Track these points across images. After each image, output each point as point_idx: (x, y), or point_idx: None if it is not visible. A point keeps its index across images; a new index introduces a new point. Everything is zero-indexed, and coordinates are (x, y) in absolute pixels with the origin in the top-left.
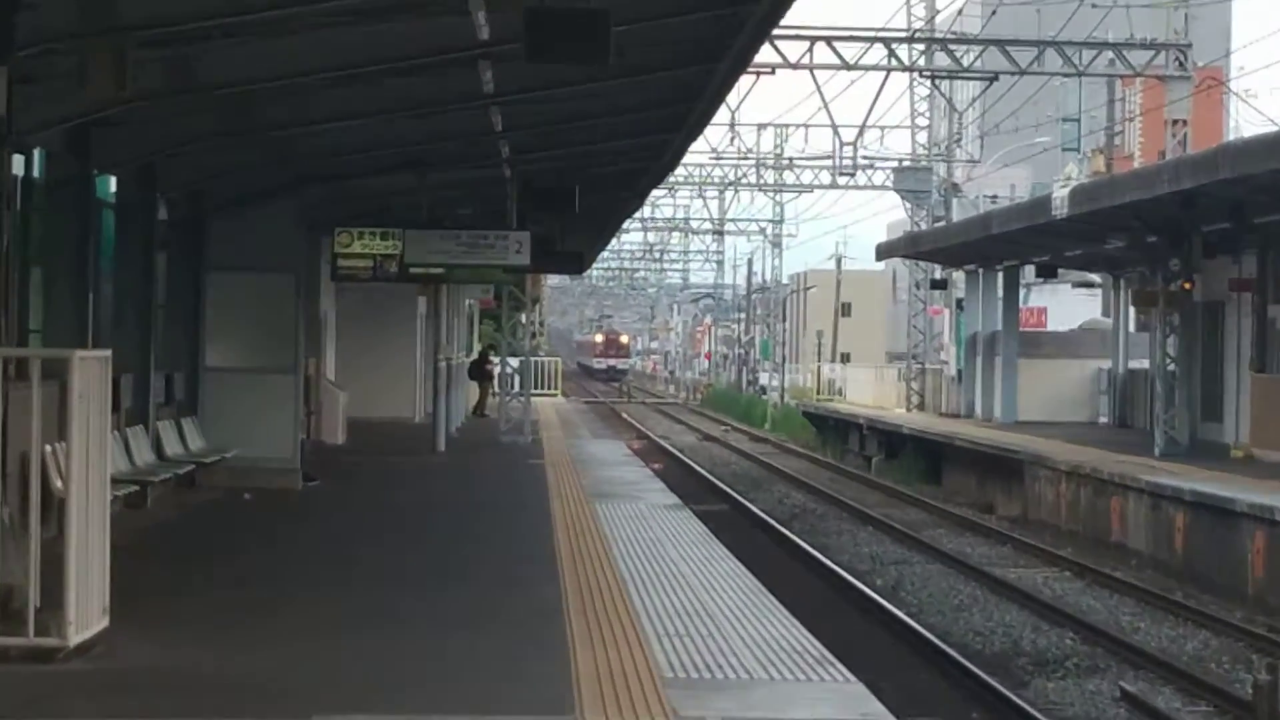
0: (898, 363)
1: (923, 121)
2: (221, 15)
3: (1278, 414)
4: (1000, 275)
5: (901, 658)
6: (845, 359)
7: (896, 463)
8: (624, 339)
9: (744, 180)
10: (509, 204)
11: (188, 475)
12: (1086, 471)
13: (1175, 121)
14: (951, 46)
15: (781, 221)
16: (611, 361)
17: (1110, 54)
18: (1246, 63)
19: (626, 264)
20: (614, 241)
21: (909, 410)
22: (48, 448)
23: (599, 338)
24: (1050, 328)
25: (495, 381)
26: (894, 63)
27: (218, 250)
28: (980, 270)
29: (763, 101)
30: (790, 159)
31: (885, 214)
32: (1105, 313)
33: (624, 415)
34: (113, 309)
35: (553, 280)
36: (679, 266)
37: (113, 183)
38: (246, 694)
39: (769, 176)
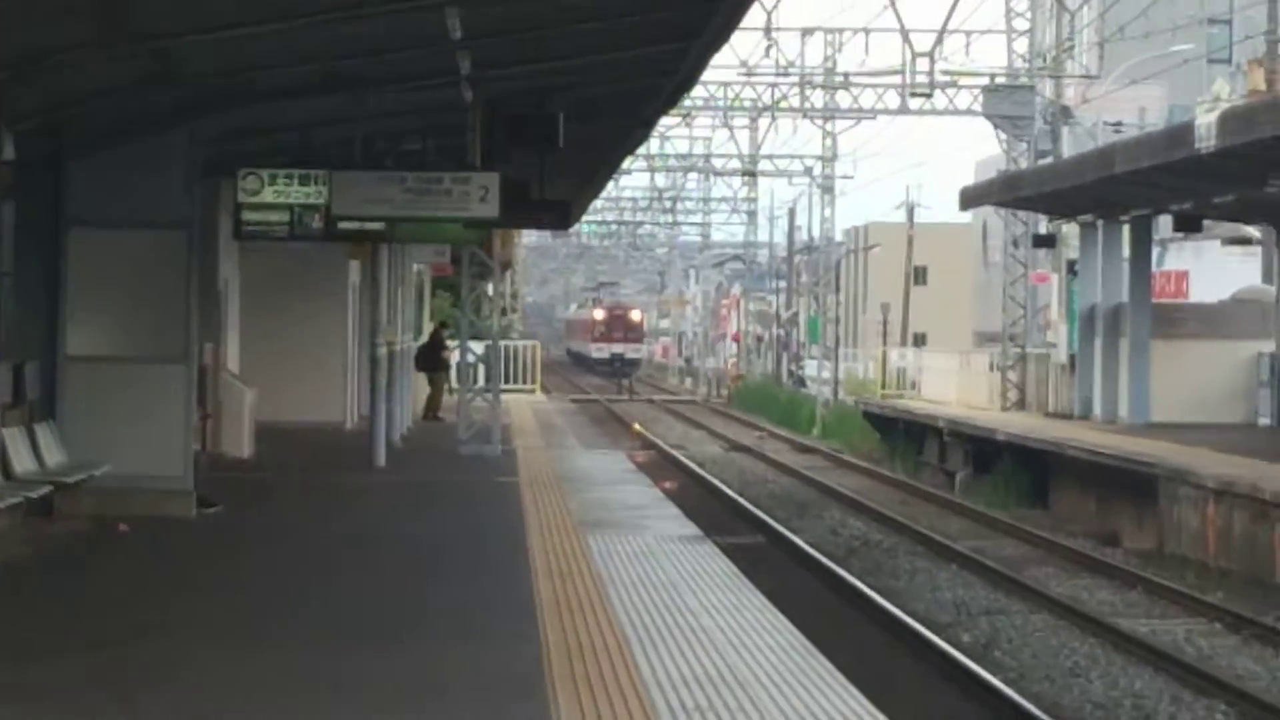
0: (990, 347)
1: (1022, 24)
2: None
3: None
4: (1126, 229)
5: None
6: (920, 341)
7: (988, 479)
8: (635, 315)
9: (784, 104)
10: (471, 137)
11: (43, 500)
12: (1242, 491)
13: None
14: None
15: (834, 159)
16: (617, 348)
17: None
18: None
19: (628, 217)
20: (610, 187)
21: (1005, 410)
22: None
23: (599, 314)
24: (1193, 299)
25: (452, 373)
26: None
27: (82, 200)
28: (1100, 222)
29: None
30: (846, 75)
31: (973, 148)
32: (1266, 279)
33: (624, 417)
34: None
35: (529, 238)
36: (697, 220)
37: None
38: None
39: (817, 99)
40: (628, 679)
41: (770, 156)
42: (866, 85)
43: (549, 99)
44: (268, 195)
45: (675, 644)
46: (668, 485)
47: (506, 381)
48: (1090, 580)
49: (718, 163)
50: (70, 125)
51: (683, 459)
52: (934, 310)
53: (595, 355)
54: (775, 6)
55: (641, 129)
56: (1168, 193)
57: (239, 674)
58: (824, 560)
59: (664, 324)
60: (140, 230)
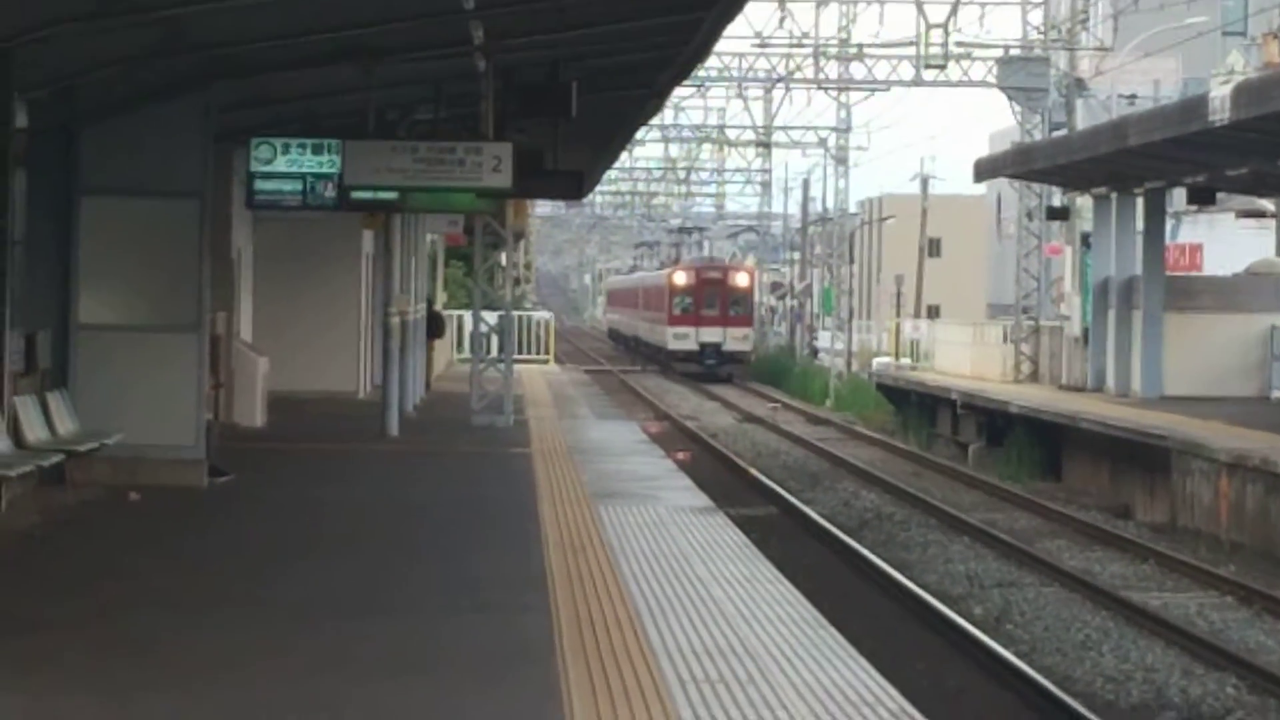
0: (1003, 319)
1: None
2: None
3: None
4: (1140, 202)
5: (1008, 712)
6: (933, 313)
7: (1001, 452)
8: (742, 279)
9: (798, 75)
10: (484, 107)
11: (55, 469)
12: (1255, 464)
13: None
14: None
15: (848, 130)
16: (712, 334)
17: None
18: None
19: (641, 187)
20: (624, 157)
21: (1018, 382)
22: None
23: (681, 279)
24: (1207, 271)
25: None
26: None
27: (95, 168)
28: (1114, 195)
29: None
30: (860, 46)
31: (987, 121)
32: None
33: (638, 389)
34: None
35: (542, 209)
36: (711, 190)
37: None
38: None
39: (831, 70)
40: (638, 650)
41: (784, 128)
42: (881, 56)
43: (562, 68)
44: (280, 164)
45: (686, 615)
46: (680, 456)
47: (520, 352)
48: (1102, 553)
49: (732, 133)
50: (82, 93)
51: (695, 430)
52: (947, 282)
53: (675, 346)
54: None
55: (655, 99)
56: (1182, 165)
57: (248, 643)
58: (836, 532)
59: None
60: (153, 199)
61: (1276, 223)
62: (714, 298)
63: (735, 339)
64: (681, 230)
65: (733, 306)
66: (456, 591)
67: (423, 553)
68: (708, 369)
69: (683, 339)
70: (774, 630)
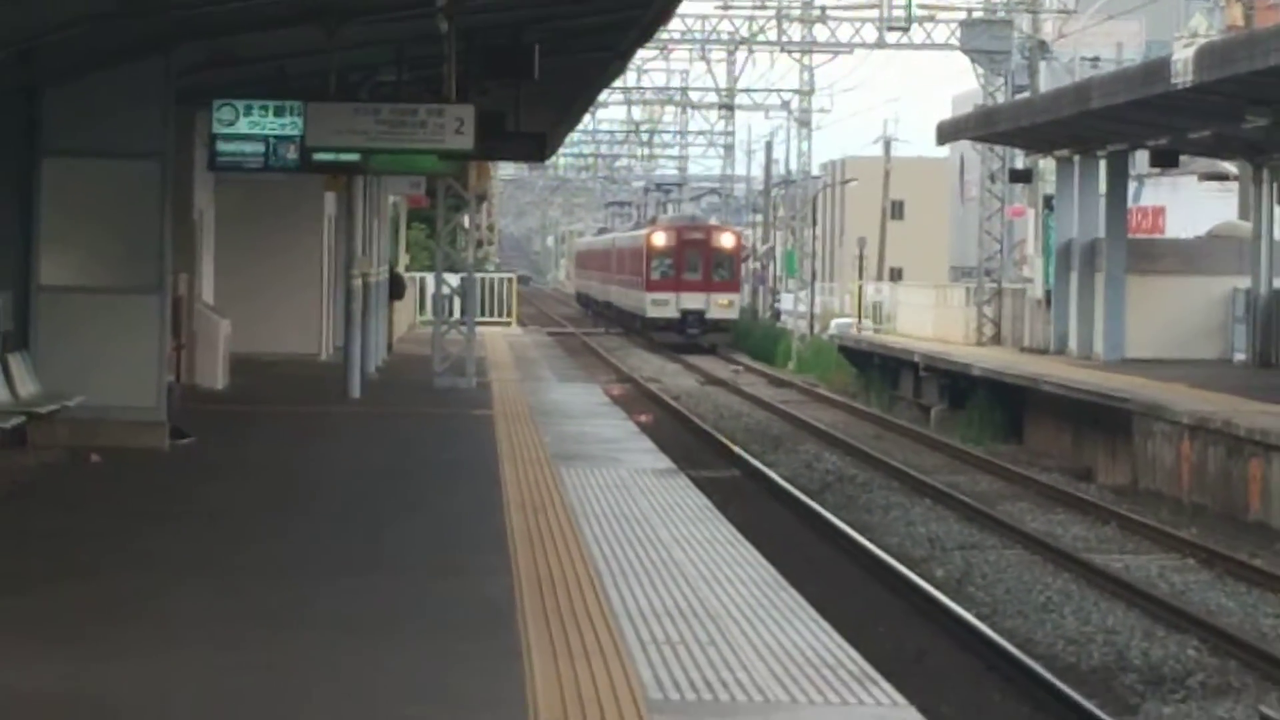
0: (966, 281)
1: None
2: None
3: None
4: (1103, 164)
5: (969, 674)
6: (896, 276)
7: (963, 414)
8: (727, 240)
9: (761, 37)
10: (446, 69)
11: (16, 430)
12: (1217, 426)
13: None
14: None
15: (811, 93)
16: (694, 299)
17: None
18: None
19: (604, 150)
20: (586, 119)
21: (980, 344)
22: None
23: (660, 239)
24: (1169, 234)
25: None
26: None
27: (57, 130)
28: (1076, 158)
29: None
30: (823, 9)
31: (950, 84)
32: (1243, 215)
33: (600, 351)
34: None
35: (505, 171)
36: (674, 153)
37: None
38: None
39: (794, 32)
40: (599, 611)
41: (747, 90)
42: (843, 19)
43: (525, 31)
44: (242, 126)
45: (647, 577)
46: (642, 419)
47: (482, 314)
48: (1064, 515)
49: (695, 96)
50: (44, 54)
51: (658, 393)
52: (910, 245)
53: (653, 313)
54: None
55: (618, 61)
56: (1144, 128)
57: (209, 606)
58: (798, 494)
59: None
60: (115, 160)
61: (1239, 185)
62: (696, 260)
63: (720, 306)
64: (650, 191)
65: (717, 270)
66: (416, 552)
67: (382, 514)
68: (689, 339)
69: (662, 306)
70: (735, 592)
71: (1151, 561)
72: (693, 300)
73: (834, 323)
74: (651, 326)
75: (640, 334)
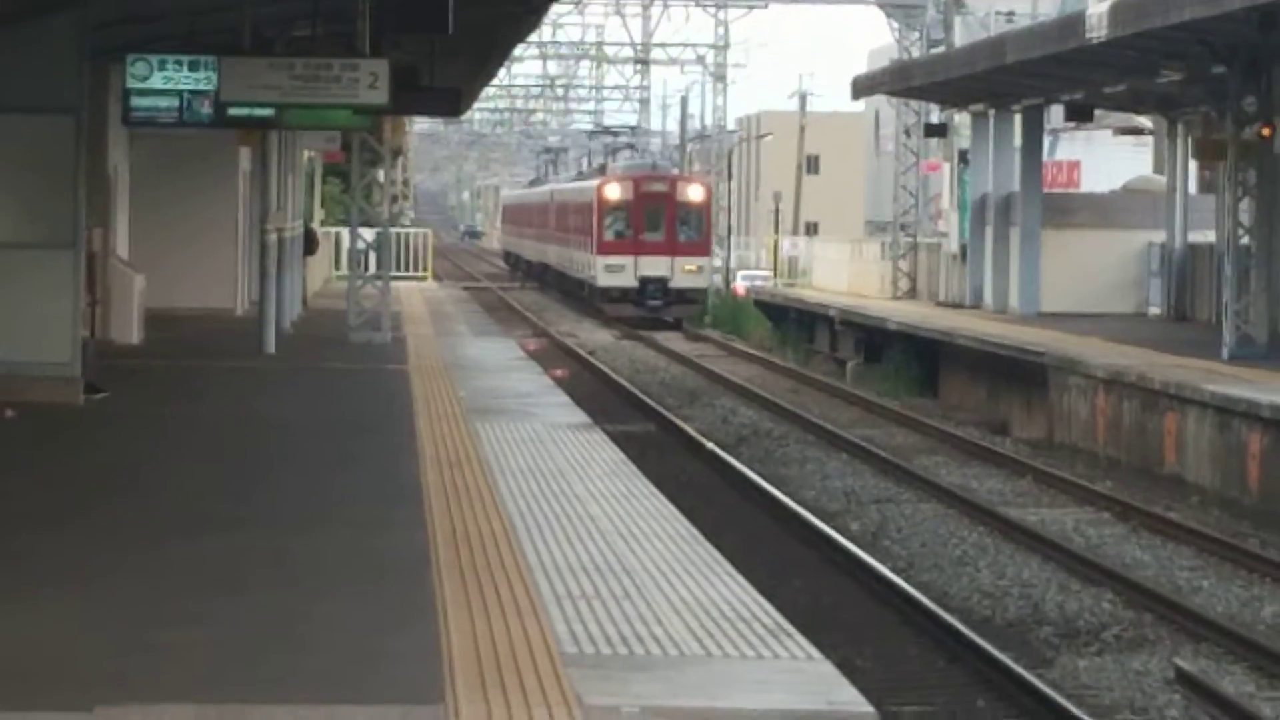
0: (881, 236)
1: None
2: None
3: None
4: (1018, 119)
5: (884, 628)
6: (812, 230)
7: (879, 368)
8: (695, 192)
9: None
10: (359, 23)
11: None
12: (1131, 380)
13: None
14: None
15: (726, 47)
16: (655, 264)
17: None
18: None
19: (520, 104)
20: (502, 74)
21: (896, 299)
22: None
23: (614, 192)
24: (1084, 188)
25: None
26: None
27: None
28: (991, 112)
29: None
30: None
31: (866, 40)
32: (1157, 169)
33: (516, 306)
34: None
35: (420, 126)
36: (589, 107)
37: None
38: (13, 679)
39: None
40: (514, 566)
41: (663, 45)
42: None
43: None
44: (156, 81)
45: (562, 532)
46: (558, 373)
47: (398, 269)
48: (980, 469)
49: (610, 50)
50: None
51: (573, 347)
52: (826, 199)
53: (607, 281)
54: None
55: (532, 16)
56: (1059, 82)
57: (119, 563)
58: (714, 448)
59: None
60: (28, 115)
61: (1154, 140)
62: (658, 218)
63: (686, 272)
64: (596, 135)
65: (682, 229)
66: (330, 506)
67: (296, 468)
68: (650, 311)
69: (617, 272)
70: (650, 546)
71: (1067, 515)
72: (654, 265)
73: (740, 274)
74: (604, 296)
75: (589, 303)
